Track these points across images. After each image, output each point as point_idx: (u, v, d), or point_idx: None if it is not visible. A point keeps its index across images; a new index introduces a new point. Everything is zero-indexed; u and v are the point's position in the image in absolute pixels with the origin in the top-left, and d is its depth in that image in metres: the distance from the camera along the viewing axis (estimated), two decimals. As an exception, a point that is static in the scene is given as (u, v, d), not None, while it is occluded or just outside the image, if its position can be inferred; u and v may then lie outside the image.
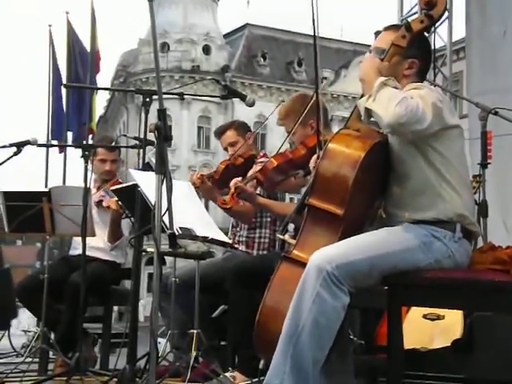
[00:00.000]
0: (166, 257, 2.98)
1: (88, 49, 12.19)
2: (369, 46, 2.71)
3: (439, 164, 2.41)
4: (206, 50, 38.69)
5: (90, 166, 3.89)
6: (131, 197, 3.31)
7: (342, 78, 40.07)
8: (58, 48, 12.28)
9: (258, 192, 3.84)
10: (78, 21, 12.82)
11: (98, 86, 13.34)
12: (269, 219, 4.12)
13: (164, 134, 2.43)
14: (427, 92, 2.40)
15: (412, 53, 2.51)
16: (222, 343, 4.06)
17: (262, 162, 3.88)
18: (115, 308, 6.12)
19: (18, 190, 4.03)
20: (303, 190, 3.23)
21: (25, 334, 5.91)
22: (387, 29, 2.66)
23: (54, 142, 11.66)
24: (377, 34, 2.77)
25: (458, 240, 2.40)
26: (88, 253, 3.86)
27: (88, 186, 3.78)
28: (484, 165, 4.24)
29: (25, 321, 7.90)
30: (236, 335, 3.69)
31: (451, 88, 7.54)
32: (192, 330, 3.59)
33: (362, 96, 2.46)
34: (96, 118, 12.78)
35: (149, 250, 3.13)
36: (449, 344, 3.38)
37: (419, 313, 3.44)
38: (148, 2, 2.41)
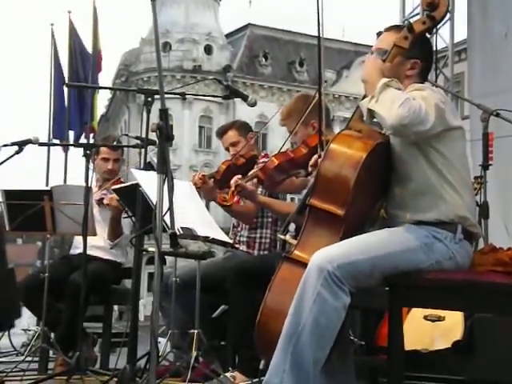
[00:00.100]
0: (166, 256, 2.99)
1: (89, 48, 12.21)
2: (370, 46, 2.71)
3: (441, 165, 2.41)
4: (208, 49, 38.71)
5: (91, 165, 3.89)
6: (132, 196, 3.31)
7: (344, 79, 40.07)
8: (59, 47, 12.29)
9: (259, 192, 3.84)
10: (80, 20, 12.83)
11: (100, 85, 13.35)
12: (270, 219, 4.12)
13: (166, 134, 2.43)
14: (430, 93, 2.40)
15: (414, 53, 2.51)
16: (222, 343, 4.06)
17: (263, 162, 3.88)
18: (115, 307, 6.12)
19: (19, 188, 4.03)
20: (304, 190, 3.24)
21: (25, 333, 5.92)
22: (389, 29, 2.66)
23: (56, 141, 11.67)
24: (379, 34, 2.77)
25: (458, 241, 2.40)
26: (89, 252, 3.86)
27: (90, 185, 3.78)
28: (485, 166, 4.24)
29: (25, 320, 7.90)
30: (236, 335, 3.68)
31: (453, 89, 7.54)
32: (192, 330, 3.59)
33: (364, 97, 2.46)
34: (98, 117, 12.79)
35: (150, 249, 3.13)
36: (449, 345, 3.38)
37: (420, 314, 3.44)
38: (151, 1, 2.41)
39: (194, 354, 3.49)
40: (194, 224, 3.47)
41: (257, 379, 3.14)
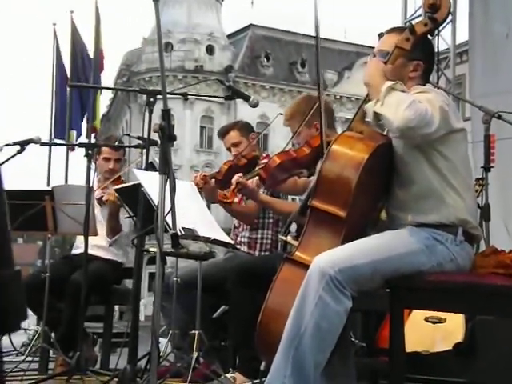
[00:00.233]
0: (167, 257, 2.99)
1: (92, 48, 12.21)
2: (372, 47, 2.71)
3: (444, 168, 2.40)
4: (210, 50, 38.71)
5: (93, 165, 3.89)
6: (134, 196, 3.31)
7: (345, 80, 40.08)
8: (62, 47, 12.30)
9: (261, 192, 3.83)
10: (82, 20, 12.85)
11: (102, 85, 13.36)
12: (271, 220, 4.12)
13: (168, 134, 2.42)
14: (434, 96, 2.40)
15: (417, 55, 2.51)
16: (223, 344, 4.06)
17: (264, 163, 3.88)
18: (116, 307, 6.12)
19: (20, 188, 4.03)
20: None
21: (25, 333, 5.91)
22: (390, 31, 2.66)
23: (58, 141, 11.67)
24: (380, 35, 2.76)
25: (459, 243, 2.39)
26: (90, 251, 3.86)
27: (91, 185, 3.78)
28: (487, 168, 4.23)
29: (25, 319, 7.89)
30: (237, 336, 3.68)
31: (454, 91, 7.53)
32: (193, 331, 3.59)
33: (366, 98, 2.46)
34: (100, 116, 12.79)
35: (151, 249, 3.13)
36: (450, 347, 3.37)
37: (421, 316, 3.44)
38: (153, 2, 2.41)
39: (195, 354, 3.49)
40: (195, 224, 3.47)
41: (257, 380, 3.14)
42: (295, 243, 2.48)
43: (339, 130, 3.13)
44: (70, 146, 11.52)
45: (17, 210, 3.87)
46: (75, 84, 11.03)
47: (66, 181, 10.97)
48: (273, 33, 41.32)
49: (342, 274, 2.18)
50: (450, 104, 2.45)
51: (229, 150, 4.29)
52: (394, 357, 2.36)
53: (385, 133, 2.58)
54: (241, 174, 3.68)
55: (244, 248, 4.13)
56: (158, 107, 2.80)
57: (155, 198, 2.80)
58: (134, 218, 3.75)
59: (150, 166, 3.33)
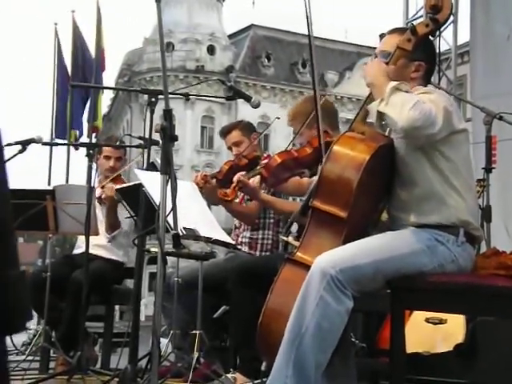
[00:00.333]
0: (167, 257, 2.99)
1: (93, 48, 12.21)
2: (373, 48, 2.71)
3: (446, 169, 2.40)
4: (211, 50, 38.72)
5: (94, 165, 3.90)
6: (135, 196, 3.31)
7: (346, 80, 40.09)
8: (63, 46, 12.30)
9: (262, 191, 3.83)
10: (84, 19, 12.84)
11: (103, 84, 13.35)
12: (272, 220, 4.12)
13: (170, 135, 2.43)
14: (437, 96, 2.40)
15: (418, 56, 2.52)
16: (224, 344, 4.06)
17: (266, 162, 3.88)
18: (116, 307, 6.12)
19: (21, 187, 4.03)
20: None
21: (25, 332, 5.91)
22: (392, 32, 2.67)
23: (59, 141, 11.66)
24: (381, 36, 2.77)
25: (461, 244, 2.39)
26: (91, 251, 3.87)
27: (92, 184, 3.78)
28: (488, 169, 4.23)
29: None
30: (237, 336, 3.68)
31: (455, 91, 7.53)
32: (194, 331, 3.59)
33: (367, 99, 2.46)
34: (101, 116, 12.79)
35: (152, 249, 3.13)
36: (451, 348, 3.37)
37: (421, 316, 3.44)
38: (156, 2, 2.41)
39: (196, 354, 3.49)
40: (197, 224, 3.47)
41: (258, 380, 3.14)
42: (296, 244, 2.48)
43: (341, 131, 3.13)
44: (75, 146, 11.52)
45: (18, 210, 3.87)
46: (77, 84, 11.02)
47: (67, 180, 10.98)
48: (274, 33, 41.33)
49: (343, 274, 2.18)
50: (453, 105, 2.45)
51: (230, 149, 4.29)
52: (394, 358, 2.36)
53: (386, 133, 2.58)
54: (243, 173, 3.68)
55: (245, 248, 4.13)
56: (159, 107, 2.81)
57: (156, 198, 2.80)
58: (135, 217, 3.76)
59: (151, 166, 3.33)
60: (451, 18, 6.74)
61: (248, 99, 3.18)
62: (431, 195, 2.41)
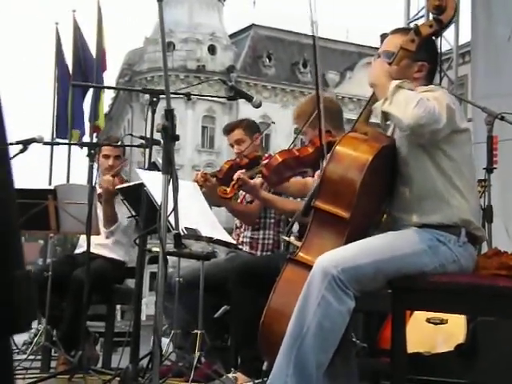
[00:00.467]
0: (168, 256, 2.99)
1: (93, 47, 12.21)
2: (374, 48, 2.72)
3: (448, 168, 2.41)
4: (212, 49, 38.72)
5: (95, 165, 3.90)
6: (137, 196, 3.31)
7: (347, 80, 40.09)
8: (64, 46, 12.30)
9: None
10: (85, 19, 12.85)
11: (104, 84, 13.36)
12: (272, 220, 4.12)
13: (171, 134, 2.43)
14: (441, 94, 2.40)
15: (421, 56, 2.52)
16: (225, 343, 4.06)
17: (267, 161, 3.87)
18: (117, 306, 6.12)
19: (23, 187, 4.03)
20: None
21: (27, 331, 5.91)
22: (395, 32, 2.67)
23: (59, 140, 11.67)
24: (382, 36, 2.77)
25: (462, 244, 2.39)
26: (93, 250, 3.87)
27: (93, 184, 3.79)
28: (490, 170, 4.23)
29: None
30: (238, 336, 3.69)
31: (456, 91, 7.53)
32: (195, 331, 3.59)
33: (370, 99, 2.46)
34: (103, 115, 12.79)
35: (154, 249, 3.13)
36: (452, 348, 3.37)
37: (422, 316, 3.44)
38: (157, 2, 2.41)
39: (197, 354, 3.49)
40: (198, 224, 3.47)
41: (259, 380, 3.14)
42: (298, 244, 2.48)
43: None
44: (77, 145, 11.52)
45: (19, 209, 3.86)
46: (78, 83, 11.03)
47: (68, 180, 10.99)
48: (275, 33, 41.33)
49: (344, 274, 2.18)
50: (456, 103, 2.45)
51: (232, 146, 4.30)
52: (395, 358, 2.37)
53: (388, 134, 2.58)
54: (243, 171, 3.68)
55: (246, 248, 4.13)
56: (160, 107, 2.81)
57: (158, 197, 2.80)
58: (136, 217, 3.76)
59: (152, 166, 3.34)
60: (452, 18, 6.73)
61: (249, 99, 3.18)
62: (433, 195, 2.41)
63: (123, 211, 4.10)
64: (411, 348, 2.95)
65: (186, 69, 37.49)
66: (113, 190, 4.22)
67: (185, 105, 34.61)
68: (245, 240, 4.15)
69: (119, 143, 4.61)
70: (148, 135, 3.07)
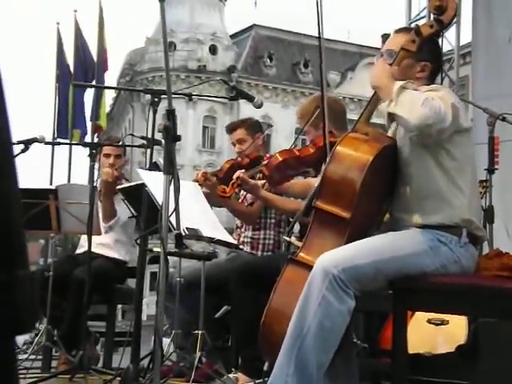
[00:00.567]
0: (169, 256, 3.00)
1: (95, 47, 12.23)
2: (375, 48, 2.72)
3: (451, 168, 2.40)
4: (213, 49, 38.72)
5: (96, 165, 3.90)
6: (138, 196, 3.32)
7: (348, 80, 40.08)
8: (65, 46, 12.32)
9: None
10: (86, 19, 12.86)
11: (105, 84, 13.37)
12: (273, 220, 4.12)
13: (173, 135, 2.43)
14: (445, 93, 2.40)
15: (424, 56, 2.52)
16: (226, 344, 4.07)
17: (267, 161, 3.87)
18: (118, 306, 6.12)
19: (24, 187, 4.03)
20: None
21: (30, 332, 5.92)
22: (398, 31, 2.68)
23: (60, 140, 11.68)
24: (384, 37, 2.78)
25: (463, 245, 2.39)
26: (94, 249, 3.87)
27: (95, 184, 3.79)
28: (491, 170, 4.23)
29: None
30: (239, 336, 3.69)
31: (458, 92, 7.54)
32: (196, 331, 3.59)
33: (371, 100, 2.47)
34: (105, 115, 12.81)
35: (155, 249, 3.13)
36: (453, 349, 3.37)
37: (423, 317, 3.44)
38: (159, 2, 2.41)
39: (198, 354, 3.49)
40: (199, 224, 3.47)
41: (260, 380, 3.14)
42: (299, 244, 2.48)
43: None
44: (78, 145, 11.54)
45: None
46: (79, 83, 11.04)
47: (69, 180, 11.00)
48: (276, 33, 41.31)
49: (345, 274, 2.18)
50: (460, 102, 2.46)
51: (234, 145, 4.30)
52: (396, 358, 2.37)
53: (390, 134, 2.58)
54: (243, 171, 3.68)
55: (247, 248, 4.13)
56: (161, 107, 2.81)
57: (159, 198, 2.80)
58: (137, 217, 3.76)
59: (153, 166, 3.34)
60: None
61: (251, 99, 3.18)
62: (435, 195, 2.40)
63: (123, 208, 4.10)
64: (412, 349, 2.95)
65: (187, 69, 37.48)
66: (112, 182, 4.22)
67: (186, 105, 34.60)
68: (245, 240, 4.15)
69: (120, 143, 4.62)
70: (149, 135, 3.07)
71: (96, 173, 3.87)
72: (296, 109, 3.93)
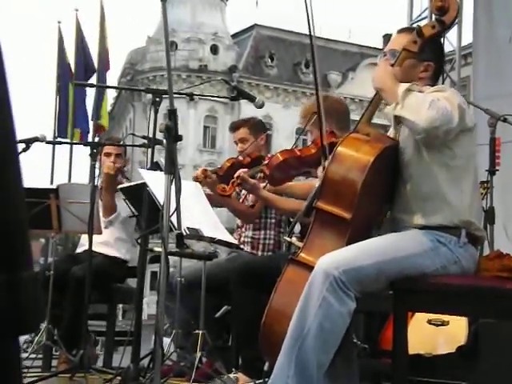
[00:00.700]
0: (170, 256, 3.00)
1: (96, 46, 12.23)
2: (376, 48, 2.72)
3: (455, 166, 2.40)
4: (214, 49, 38.72)
5: (97, 164, 3.90)
6: (139, 196, 3.32)
7: (349, 81, 40.06)
8: (66, 45, 12.32)
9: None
10: (87, 18, 12.86)
11: (107, 83, 13.37)
12: (273, 220, 4.12)
13: (174, 134, 2.43)
14: (451, 94, 2.40)
15: (427, 56, 2.52)
16: (226, 343, 4.07)
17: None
18: (119, 305, 6.12)
19: (25, 186, 4.02)
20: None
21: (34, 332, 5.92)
22: (401, 31, 2.68)
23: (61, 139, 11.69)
24: (385, 37, 2.78)
25: (463, 245, 2.39)
26: (94, 248, 3.86)
27: (95, 183, 3.79)
28: (492, 171, 4.23)
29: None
30: (239, 336, 3.69)
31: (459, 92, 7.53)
32: (197, 331, 3.59)
33: (373, 100, 2.47)
34: (107, 115, 12.81)
35: (156, 249, 3.13)
36: (453, 350, 3.37)
37: (423, 318, 3.44)
38: (161, 1, 2.41)
39: (198, 354, 3.49)
40: (200, 224, 3.48)
41: (260, 380, 3.14)
42: (299, 244, 2.48)
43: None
44: (79, 144, 11.55)
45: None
46: (79, 82, 11.04)
47: (70, 179, 11.00)
48: (277, 33, 41.30)
49: (346, 275, 2.18)
50: (465, 103, 2.46)
51: (236, 144, 4.30)
52: (396, 359, 2.37)
53: (390, 134, 2.58)
54: (245, 170, 3.68)
55: (247, 248, 4.13)
56: (162, 106, 2.81)
57: (160, 197, 2.80)
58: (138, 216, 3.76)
59: (154, 166, 3.34)
60: (455, 19, 6.72)
61: (252, 99, 3.18)
62: (436, 196, 2.40)
63: (123, 205, 4.10)
64: (412, 349, 2.95)
65: (188, 68, 37.48)
66: (113, 175, 4.23)
67: (187, 104, 34.60)
68: (246, 240, 4.15)
69: (121, 143, 4.62)
70: (150, 135, 3.07)
71: (97, 172, 3.87)
72: (297, 109, 3.94)
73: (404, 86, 2.34)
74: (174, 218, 2.48)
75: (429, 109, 2.24)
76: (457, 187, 2.40)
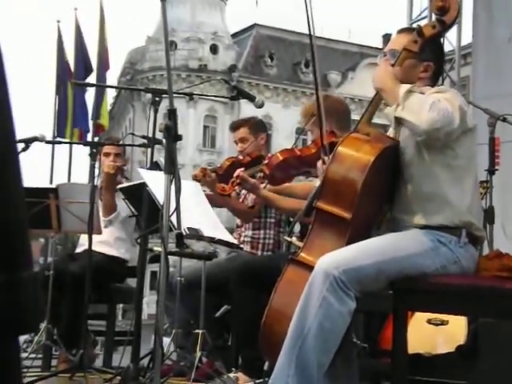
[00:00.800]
0: (169, 256, 3.00)
1: (95, 46, 12.21)
2: (376, 48, 2.72)
3: (457, 166, 2.40)
4: (214, 49, 38.71)
5: (97, 164, 3.90)
6: (138, 195, 3.32)
7: (349, 80, 40.06)
8: (66, 44, 12.30)
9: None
10: (87, 17, 12.86)
11: (106, 83, 13.36)
12: (273, 220, 4.12)
13: (174, 134, 2.43)
14: (452, 95, 2.40)
15: (427, 56, 2.52)
16: (226, 343, 4.07)
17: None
18: (119, 305, 6.12)
19: (24, 185, 4.01)
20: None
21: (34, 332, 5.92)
22: (401, 31, 2.68)
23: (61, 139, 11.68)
24: (385, 37, 2.78)
25: (463, 245, 2.39)
26: (94, 247, 3.86)
27: (95, 183, 3.79)
28: (491, 171, 4.23)
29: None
30: (239, 335, 3.69)
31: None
32: (197, 330, 3.59)
33: (373, 100, 2.47)
34: (106, 114, 12.80)
35: (156, 249, 3.13)
36: (453, 350, 3.38)
37: (423, 317, 3.44)
38: (161, 1, 2.41)
39: (198, 353, 3.49)
40: (200, 224, 3.48)
41: (260, 380, 3.14)
42: (299, 244, 2.48)
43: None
44: (79, 144, 11.54)
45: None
46: (79, 82, 11.03)
47: (69, 179, 11.00)
48: (277, 33, 41.29)
49: (346, 275, 2.18)
50: (466, 104, 2.45)
51: (236, 143, 4.30)
52: (396, 358, 2.37)
53: (390, 134, 2.58)
54: (244, 169, 3.67)
55: (247, 247, 4.13)
56: (162, 106, 2.81)
57: (160, 197, 2.80)
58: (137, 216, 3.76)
59: (154, 166, 3.34)
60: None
61: (252, 99, 3.18)
62: (436, 196, 2.40)
63: (122, 205, 4.10)
64: (412, 349, 2.95)
65: (188, 68, 37.48)
66: (113, 174, 4.23)
67: (186, 104, 34.60)
68: (246, 239, 4.15)
69: (120, 143, 4.62)
70: (150, 134, 3.07)
71: (96, 172, 3.86)
72: (297, 109, 3.95)
73: (405, 87, 2.34)
74: (173, 218, 2.48)
75: (430, 110, 2.23)
76: (458, 187, 2.40)
